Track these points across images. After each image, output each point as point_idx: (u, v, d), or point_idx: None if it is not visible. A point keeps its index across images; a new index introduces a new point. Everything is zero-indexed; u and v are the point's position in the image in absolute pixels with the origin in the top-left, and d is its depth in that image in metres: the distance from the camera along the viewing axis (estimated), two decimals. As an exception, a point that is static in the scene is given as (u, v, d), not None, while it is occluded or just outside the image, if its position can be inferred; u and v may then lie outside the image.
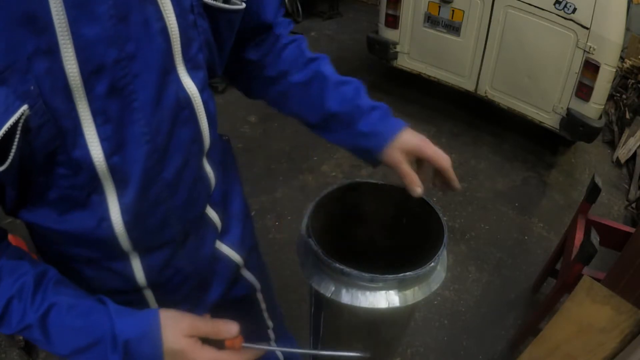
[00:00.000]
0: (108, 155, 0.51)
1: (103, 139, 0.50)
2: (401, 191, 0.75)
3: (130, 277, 0.66)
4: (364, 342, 0.82)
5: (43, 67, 0.44)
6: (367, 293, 0.62)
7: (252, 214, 2.48)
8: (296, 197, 2.54)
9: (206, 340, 0.60)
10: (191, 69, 0.57)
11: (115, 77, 0.48)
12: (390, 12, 3.31)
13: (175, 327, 0.58)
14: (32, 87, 0.43)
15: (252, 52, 0.76)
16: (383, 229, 0.84)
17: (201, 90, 0.59)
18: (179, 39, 0.53)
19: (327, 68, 0.78)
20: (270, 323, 1.13)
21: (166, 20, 0.51)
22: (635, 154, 3.09)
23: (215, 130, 0.68)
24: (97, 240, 0.59)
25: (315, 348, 0.88)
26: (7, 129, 0.43)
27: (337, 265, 0.61)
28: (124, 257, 0.64)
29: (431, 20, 3.17)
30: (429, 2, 3.12)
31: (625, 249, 1.32)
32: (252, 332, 1.13)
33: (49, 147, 0.48)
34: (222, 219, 0.78)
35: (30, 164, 0.49)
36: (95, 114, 0.48)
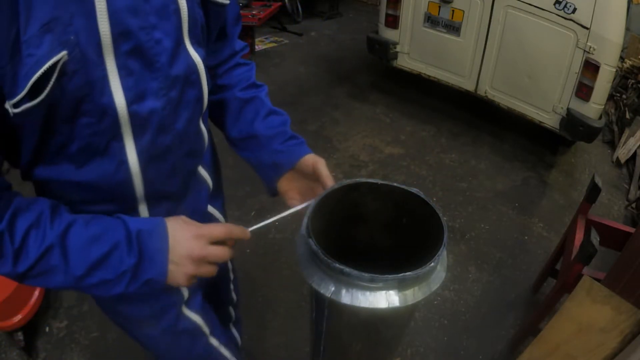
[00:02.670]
0: (129, 102, 0.59)
1: (126, 89, 0.58)
2: (401, 191, 0.75)
3: None
4: (364, 342, 0.82)
5: (81, 23, 0.52)
6: (367, 293, 0.62)
7: (252, 214, 2.48)
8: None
9: None
10: (195, 43, 0.68)
11: (141, 40, 0.58)
12: (390, 12, 3.31)
13: (172, 219, 0.67)
14: (72, 37, 0.51)
15: (209, 59, 0.84)
16: (383, 229, 0.84)
17: (203, 61, 0.70)
18: (187, 18, 0.64)
19: (266, 97, 0.91)
20: (234, 296, 1.25)
21: (179, 4, 0.62)
22: (635, 154, 3.09)
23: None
24: (114, 185, 0.65)
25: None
26: (49, 67, 0.50)
27: (337, 265, 0.61)
28: (134, 207, 0.71)
29: (431, 20, 3.17)
30: (429, 2, 3.12)
31: (625, 249, 1.32)
32: (218, 304, 1.17)
33: (78, 94, 0.55)
34: (212, 182, 0.90)
35: (58, 109, 0.55)
36: (120, 68, 0.57)
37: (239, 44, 0.90)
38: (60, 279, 0.60)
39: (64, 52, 0.51)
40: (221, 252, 0.68)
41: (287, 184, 0.86)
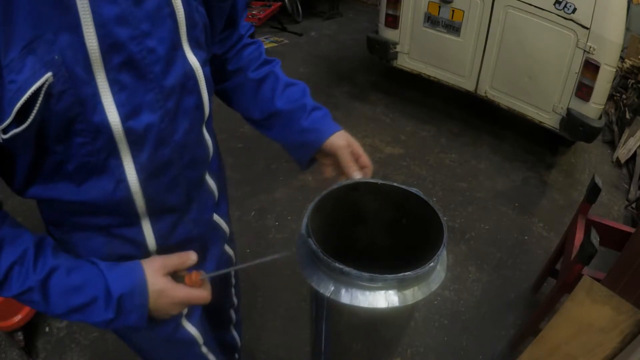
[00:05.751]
0: (124, 119, 0.56)
1: (119, 105, 0.56)
2: (401, 191, 0.75)
3: (141, 243, 0.71)
4: (363, 342, 0.82)
5: (66, 40, 0.49)
6: (367, 293, 0.62)
7: (252, 214, 2.48)
8: (296, 197, 2.54)
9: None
10: (194, 47, 0.65)
11: (132, 51, 0.55)
12: (390, 12, 3.31)
13: (152, 269, 0.67)
14: (56, 57, 0.49)
15: (217, 48, 0.84)
16: (383, 229, 0.84)
17: (202, 65, 0.67)
18: (184, 21, 0.61)
19: (280, 70, 0.89)
20: (235, 300, 1.24)
21: (174, 6, 0.59)
22: (635, 154, 3.09)
23: (211, 102, 0.74)
24: (114, 203, 0.64)
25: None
26: (32, 92, 0.47)
27: (337, 264, 0.61)
28: (136, 222, 0.69)
29: (431, 20, 3.17)
30: (429, 2, 3.12)
31: (625, 249, 1.33)
32: (219, 308, 1.17)
33: (69, 114, 0.53)
34: (218, 190, 0.87)
35: (49, 130, 0.53)
36: (112, 83, 0.54)
37: (243, 26, 0.88)
38: (41, 310, 0.62)
39: (48, 74, 0.48)
40: (204, 295, 0.71)
41: (321, 155, 0.87)
